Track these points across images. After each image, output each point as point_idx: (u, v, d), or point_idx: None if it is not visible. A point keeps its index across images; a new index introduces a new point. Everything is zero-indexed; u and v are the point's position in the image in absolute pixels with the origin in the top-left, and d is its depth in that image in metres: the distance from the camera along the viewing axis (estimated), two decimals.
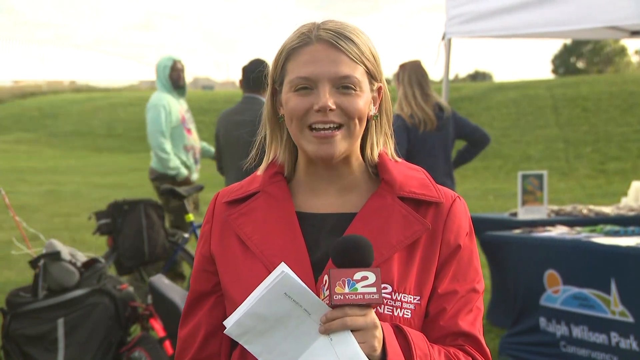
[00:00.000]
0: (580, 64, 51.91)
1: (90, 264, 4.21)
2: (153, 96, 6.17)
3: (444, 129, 4.96)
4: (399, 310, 1.45)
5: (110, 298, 4.05)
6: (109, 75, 50.67)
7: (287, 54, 1.52)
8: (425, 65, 5.09)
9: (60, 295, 3.97)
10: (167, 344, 4.12)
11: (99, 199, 11.86)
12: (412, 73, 5.00)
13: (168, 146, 5.95)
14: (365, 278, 1.32)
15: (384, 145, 1.60)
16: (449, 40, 5.82)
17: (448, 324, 1.49)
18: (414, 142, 4.88)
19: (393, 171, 1.54)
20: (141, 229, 5.49)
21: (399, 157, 1.61)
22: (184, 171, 6.10)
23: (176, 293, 4.29)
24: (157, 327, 4.21)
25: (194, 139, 6.17)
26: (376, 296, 1.32)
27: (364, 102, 1.50)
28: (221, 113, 5.09)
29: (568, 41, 47.66)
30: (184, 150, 6.12)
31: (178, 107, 6.09)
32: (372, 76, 1.53)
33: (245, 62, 5.01)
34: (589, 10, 5.02)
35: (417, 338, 1.42)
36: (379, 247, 1.45)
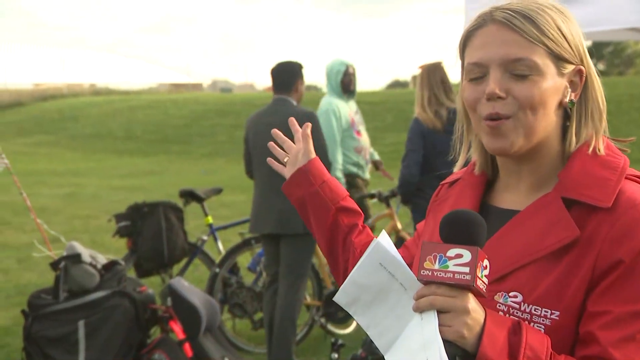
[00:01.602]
0: (601, 66, 51.56)
1: (111, 266, 4.25)
2: (323, 102, 6.10)
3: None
4: (527, 323, 1.27)
5: (131, 300, 4.08)
6: (128, 78, 50.99)
7: (465, 39, 1.40)
8: (446, 67, 5.01)
9: (81, 298, 4.00)
10: (187, 346, 4.14)
11: (118, 201, 11.94)
12: (431, 75, 4.93)
13: (339, 156, 5.90)
14: (459, 256, 1.20)
15: (590, 138, 1.37)
16: None
17: (597, 351, 1.24)
18: (430, 145, 4.83)
19: (574, 168, 1.34)
20: (160, 232, 5.52)
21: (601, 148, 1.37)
22: (343, 180, 6.04)
23: (195, 295, 4.31)
24: (177, 330, 4.23)
25: (364, 140, 6.15)
26: (467, 277, 1.18)
27: (543, 88, 1.31)
28: (250, 115, 5.07)
29: (588, 43, 47.30)
30: (355, 152, 6.09)
31: (347, 110, 6.04)
32: (559, 58, 1.34)
33: (274, 64, 5.00)
34: (609, 11, 4.99)
35: (534, 338, 1.22)
36: (517, 252, 1.32)
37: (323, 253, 1.74)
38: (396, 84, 50.67)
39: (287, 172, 1.78)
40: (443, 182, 1.64)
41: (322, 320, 5.58)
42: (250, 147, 4.97)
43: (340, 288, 1.34)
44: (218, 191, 6.21)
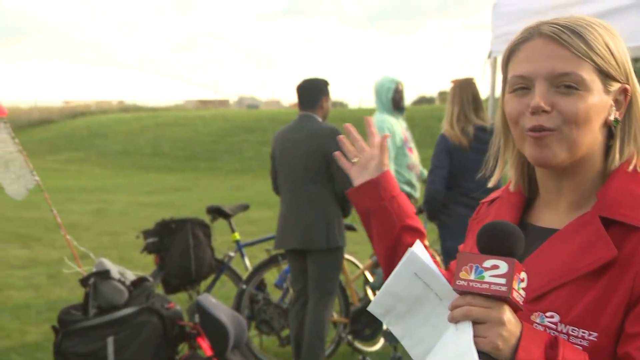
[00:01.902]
0: None
1: (139, 282, 4.28)
2: (375, 119, 6.13)
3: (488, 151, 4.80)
4: None
5: (159, 317, 4.10)
6: (156, 94, 51.50)
7: (510, 52, 1.39)
8: (478, 84, 4.97)
9: (110, 314, 4.03)
10: None
11: (146, 217, 12.03)
12: (463, 91, 4.90)
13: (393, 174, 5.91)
14: (495, 267, 1.18)
15: (631, 156, 1.36)
16: (495, 59, 5.79)
17: None
18: (456, 162, 4.80)
19: (613, 187, 1.33)
20: (188, 248, 5.55)
21: None
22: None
23: (223, 312, 4.32)
24: (205, 346, 4.24)
25: (414, 157, 6.17)
26: (503, 288, 1.16)
27: (589, 104, 1.30)
28: (277, 132, 5.11)
29: None
30: (407, 169, 6.11)
31: (400, 127, 6.08)
32: (606, 75, 1.32)
33: (299, 81, 5.04)
34: (638, 27, 4.95)
35: (571, 354, 1.20)
36: (554, 271, 1.31)
37: (381, 266, 1.72)
38: (422, 100, 50.54)
39: (353, 173, 1.75)
40: (483, 200, 1.62)
41: (349, 337, 5.56)
42: (277, 164, 5.01)
43: (375, 298, 1.34)
44: (245, 207, 6.24)
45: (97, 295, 4.05)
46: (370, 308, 1.35)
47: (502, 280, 1.17)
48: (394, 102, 6.12)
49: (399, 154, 6.00)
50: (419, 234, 1.71)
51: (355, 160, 1.75)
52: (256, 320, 5.60)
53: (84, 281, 4.16)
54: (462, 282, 1.20)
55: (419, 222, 1.73)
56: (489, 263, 1.19)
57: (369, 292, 5.91)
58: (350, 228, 5.46)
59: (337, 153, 1.80)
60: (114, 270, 4.19)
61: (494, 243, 1.20)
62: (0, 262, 8.88)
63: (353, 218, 5.77)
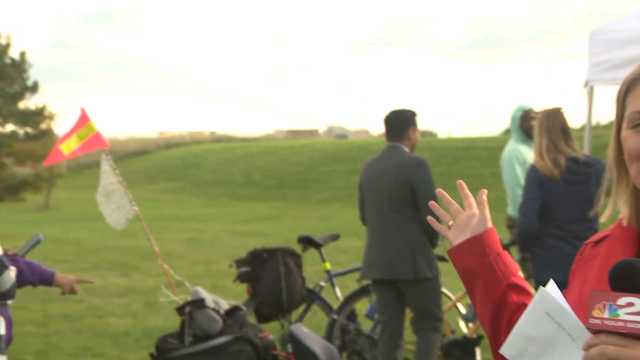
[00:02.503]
0: None
1: (233, 311, 4.35)
2: (507, 147, 6.18)
3: (582, 183, 4.67)
4: None
5: (253, 346, 4.15)
6: (247, 125, 52.59)
7: (628, 87, 1.37)
8: (566, 113, 4.88)
9: (205, 342, 4.11)
10: None
11: (238, 246, 12.22)
12: (550, 121, 4.79)
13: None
14: (630, 304, 1.15)
15: None
16: (591, 88, 5.66)
17: None
18: (547, 194, 4.68)
19: None
20: (279, 277, 5.61)
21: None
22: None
23: (315, 342, 4.34)
24: None
25: None
26: None
27: None
28: (365, 162, 5.15)
29: None
30: None
31: (530, 155, 6.10)
32: None
33: (387, 112, 5.06)
34: None
35: None
36: None
37: (483, 324, 1.64)
38: None
39: (451, 235, 1.67)
40: (586, 242, 1.56)
41: None
42: (364, 194, 5.03)
43: (507, 340, 1.32)
44: (335, 237, 6.26)
45: (192, 324, 4.14)
46: (502, 350, 1.33)
47: (638, 318, 1.14)
48: (523, 130, 6.03)
49: None
50: (525, 293, 1.62)
51: (451, 223, 1.68)
52: (347, 351, 5.59)
53: (180, 310, 4.26)
54: (595, 321, 1.17)
55: (524, 280, 1.65)
56: (623, 300, 1.16)
57: (462, 324, 5.81)
58: (441, 259, 5.40)
59: (429, 218, 1.74)
60: (209, 299, 4.28)
61: (627, 280, 1.18)
62: (101, 289, 9.19)
63: (443, 248, 5.71)
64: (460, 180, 1.73)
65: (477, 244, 1.61)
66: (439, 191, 1.74)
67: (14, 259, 3.53)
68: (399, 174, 4.81)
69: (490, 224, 1.62)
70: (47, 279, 3.73)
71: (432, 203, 1.76)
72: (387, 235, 4.83)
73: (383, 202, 4.89)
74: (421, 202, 4.74)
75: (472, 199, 1.67)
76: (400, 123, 4.98)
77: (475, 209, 1.65)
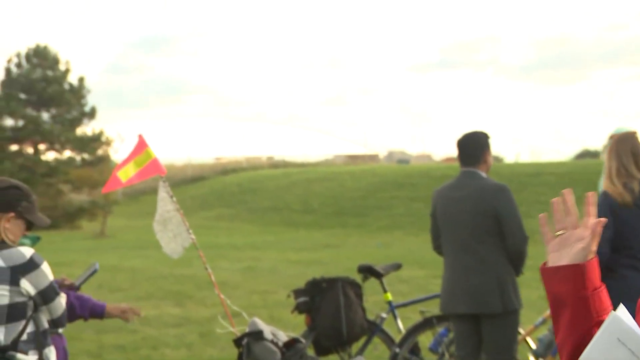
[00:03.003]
0: None
1: (292, 343, 4.35)
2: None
3: None
4: None
5: None
6: (305, 150, 52.93)
7: None
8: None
9: None
10: None
11: (295, 275, 12.25)
12: (620, 145, 4.66)
13: None
14: None
15: None
16: None
17: None
18: (620, 221, 4.54)
19: None
20: (339, 308, 5.59)
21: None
22: None
23: None
24: None
25: None
26: None
27: None
28: (437, 189, 5.06)
29: None
30: None
31: None
32: None
33: (460, 135, 4.99)
34: None
35: None
36: None
37: (561, 352, 1.59)
38: (585, 154, 48.53)
39: (552, 246, 1.61)
40: None
41: None
42: (439, 222, 4.94)
43: None
44: (397, 267, 6.22)
45: (250, 356, 4.16)
46: None
47: None
48: None
49: None
50: None
51: (559, 232, 1.61)
52: None
53: (237, 341, 4.28)
54: None
55: None
56: None
57: (532, 359, 5.69)
58: None
59: (541, 217, 1.65)
60: (267, 330, 4.29)
61: None
62: (156, 320, 9.31)
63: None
64: (589, 193, 1.62)
65: (578, 274, 1.56)
66: (565, 191, 1.63)
67: (66, 293, 3.62)
68: (479, 202, 4.73)
69: (593, 256, 1.57)
70: (98, 313, 3.83)
71: (542, 216, 1.65)
72: (471, 266, 4.74)
73: (463, 232, 4.79)
74: (508, 231, 4.66)
75: (591, 220, 1.59)
76: (475, 147, 4.89)
77: (589, 232, 1.58)
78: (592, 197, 1.60)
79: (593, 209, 1.59)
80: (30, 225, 3.29)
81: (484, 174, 4.84)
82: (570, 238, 1.58)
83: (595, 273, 1.56)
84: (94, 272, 4.22)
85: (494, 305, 4.65)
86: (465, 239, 4.78)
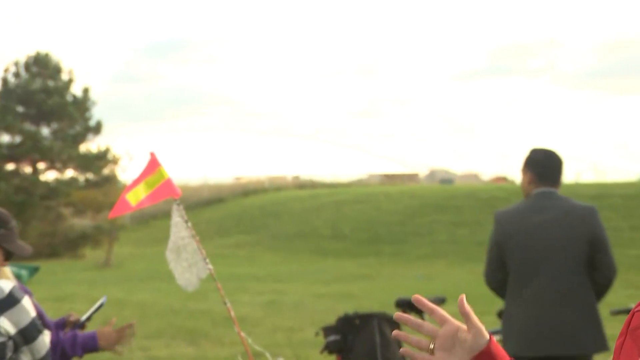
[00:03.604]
0: None
1: None
2: None
3: None
4: None
5: None
6: (335, 168, 52.99)
7: None
8: None
9: None
10: None
11: (323, 310, 12.24)
12: None
13: None
14: None
15: None
16: None
17: None
18: None
19: None
20: (375, 348, 5.58)
21: None
22: None
23: None
24: None
25: None
26: None
27: None
28: (501, 212, 4.99)
29: None
30: None
31: None
32: None
33: (533, 152, 4.94)
34: None
35: None
36: None
37: None
38: None
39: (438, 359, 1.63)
40: (634, 310, 1.54)
41: None
42: (511, 252, 4.80)
43: None
44: (441, 301, 6.20)
45: None
46: None
47: None
48: None
49: None
50: None
51: (431, 346, 1.65)
52: None
53: None
54: None
55: None
56: None
57: None
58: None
59: (401, 349, 1.74)
60: None
61: None
62: None
63: None
64: (417, 295, 1.67)
65: (490, 358, 1.61)
66: (416, 297, 1.66)
67: (71, 332, 3.64)
68: (573, 227, 4.69)
69: (487, 335, 1.61)
70: (90, 347, 3.80)
71: (399, 315, 1.70)
72: (560, 301, 4.66)
73: (550, 261, 4.71)
74: (602, 259, 4.65)
75: (442, 312, 1.65)
76: (555, 166, 4.86)
77: (454, 322, 1.63)
78: (419, 299, 1.64)
79: (432, 306, 1.64)
80: (9, 255, 3.31)
81: (560, 195, 4.83)
82: (447, 340, 1.63)
83: (498, 349, 1.62)
84: (101, 306, 4.26)
85: (587, 346, 4.61)
86: (553, 269, 4.69)
